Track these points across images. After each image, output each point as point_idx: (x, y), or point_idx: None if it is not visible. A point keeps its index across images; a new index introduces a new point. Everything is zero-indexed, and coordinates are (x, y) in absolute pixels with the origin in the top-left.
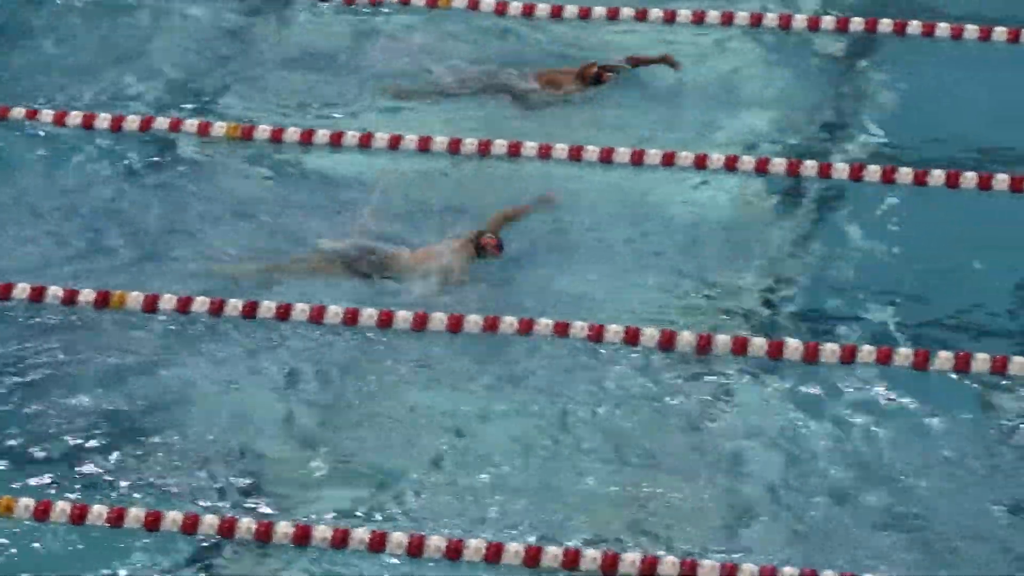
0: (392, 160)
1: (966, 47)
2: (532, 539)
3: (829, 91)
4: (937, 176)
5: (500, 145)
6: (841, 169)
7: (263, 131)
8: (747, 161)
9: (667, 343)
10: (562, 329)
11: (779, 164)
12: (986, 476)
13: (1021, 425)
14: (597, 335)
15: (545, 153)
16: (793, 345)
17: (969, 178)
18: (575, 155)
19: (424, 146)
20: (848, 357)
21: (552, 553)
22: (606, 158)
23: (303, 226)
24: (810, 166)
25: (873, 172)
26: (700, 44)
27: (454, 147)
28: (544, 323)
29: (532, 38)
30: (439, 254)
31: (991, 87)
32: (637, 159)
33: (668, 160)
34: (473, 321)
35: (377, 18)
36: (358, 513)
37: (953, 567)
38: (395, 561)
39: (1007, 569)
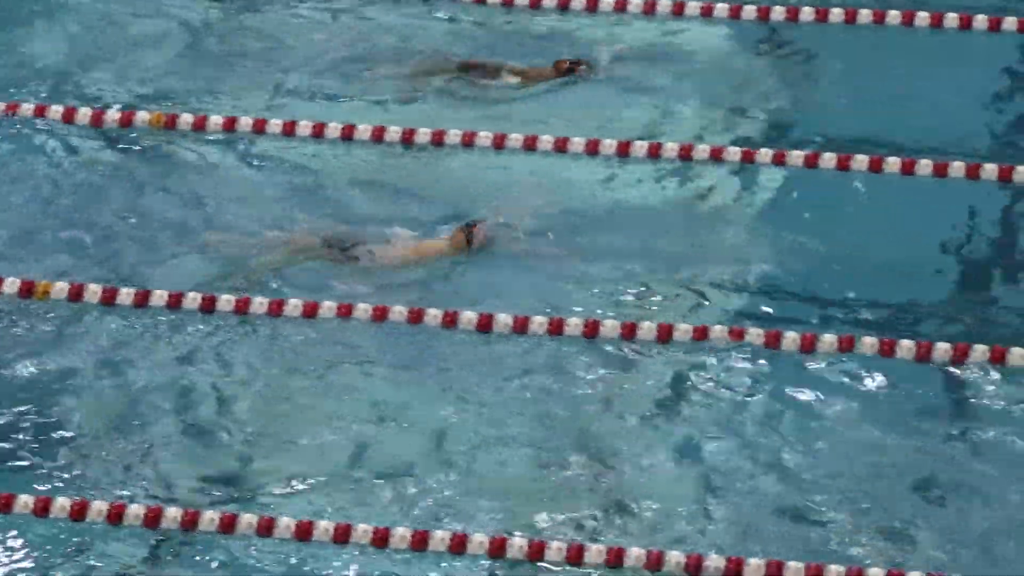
0: (346, 149)
1: (917, 35)
2: (458, 527)
3: (781, 80)
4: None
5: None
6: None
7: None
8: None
9: (591, 332)
10: (486, 322)
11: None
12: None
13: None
14: (522, 327)
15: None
16: (718, 330)
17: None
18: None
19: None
20: (774, 343)
21: (477, 541)
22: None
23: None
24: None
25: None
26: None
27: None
28: (468, 316)
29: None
30: (430, 247)
31: (943, 76)
32: (561, 146)
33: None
34: (398, 312)
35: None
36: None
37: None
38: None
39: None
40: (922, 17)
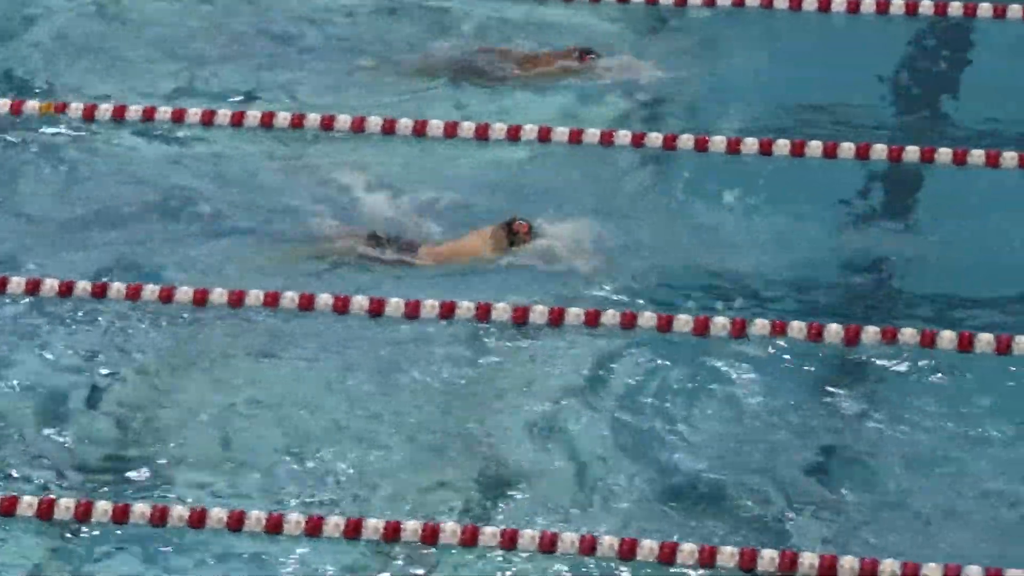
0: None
1: (832, 20)
2: (355, 513)
3: (698, 63)
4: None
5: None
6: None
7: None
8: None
9: (484, 315)
10: (377, 306)
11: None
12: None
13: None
14: (415, 310)
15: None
16: (610, 313)
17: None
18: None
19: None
20: (666, 327)
21: (372, 526)
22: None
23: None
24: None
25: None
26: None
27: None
28: (358, 300)
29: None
30: (470, 246)
31: (855, 54)
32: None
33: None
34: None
35: None
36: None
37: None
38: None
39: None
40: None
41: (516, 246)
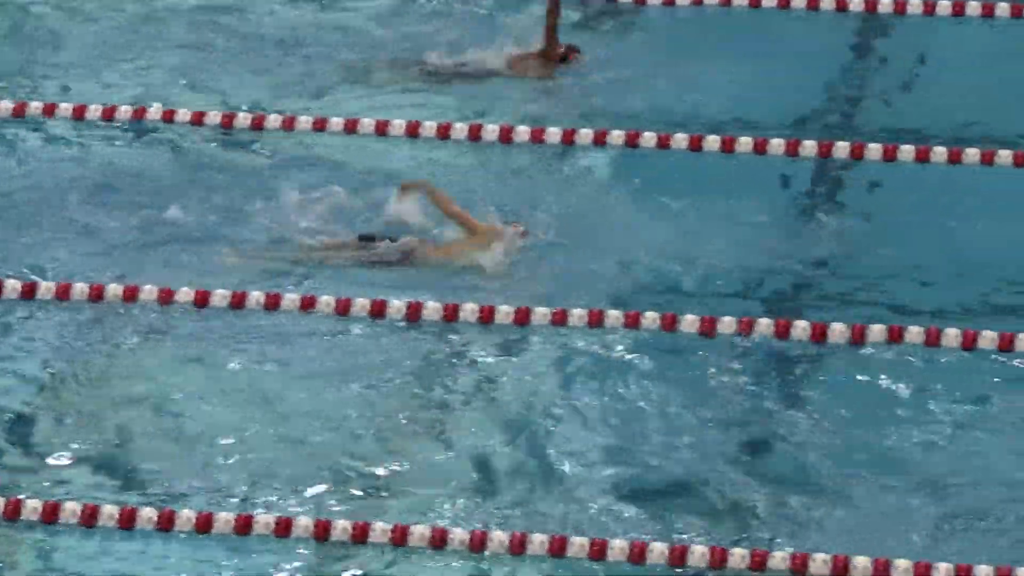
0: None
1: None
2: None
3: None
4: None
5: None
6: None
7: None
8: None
9: (414, 315)
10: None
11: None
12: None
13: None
14: (344, 308)
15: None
16: (542, 312)
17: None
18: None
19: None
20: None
21: (304, 524)
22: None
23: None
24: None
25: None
26: None
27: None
28: (290, 298)
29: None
30: (466, 248)
31: (749, 49)
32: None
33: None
34: (220, 296)
35: None
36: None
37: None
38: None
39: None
40: None
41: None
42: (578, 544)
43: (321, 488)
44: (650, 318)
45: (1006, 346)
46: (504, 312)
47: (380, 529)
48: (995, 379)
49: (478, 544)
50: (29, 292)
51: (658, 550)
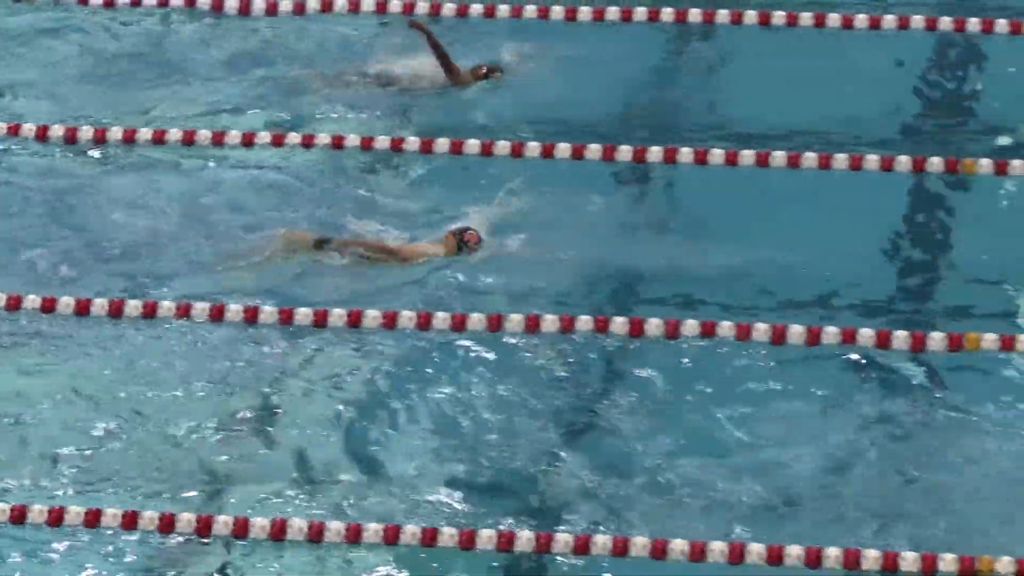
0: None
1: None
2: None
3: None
4: (717, 155)
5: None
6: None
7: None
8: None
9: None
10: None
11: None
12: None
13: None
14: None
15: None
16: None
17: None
18: None
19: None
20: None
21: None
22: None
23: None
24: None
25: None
26: None
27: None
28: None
29: None
30: (425, 250)
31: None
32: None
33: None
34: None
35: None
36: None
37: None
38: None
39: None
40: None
41: (465, 253)
42: (410, 532)
43: (162, 485)
44: (476, 319)
45: (813, 341)
46: (338, 315)
47: (222, 522)
48: (801, 371)
49: (316, 534)
50: None
51: (486, 536)
